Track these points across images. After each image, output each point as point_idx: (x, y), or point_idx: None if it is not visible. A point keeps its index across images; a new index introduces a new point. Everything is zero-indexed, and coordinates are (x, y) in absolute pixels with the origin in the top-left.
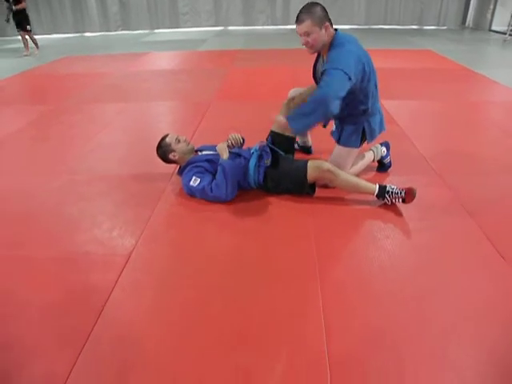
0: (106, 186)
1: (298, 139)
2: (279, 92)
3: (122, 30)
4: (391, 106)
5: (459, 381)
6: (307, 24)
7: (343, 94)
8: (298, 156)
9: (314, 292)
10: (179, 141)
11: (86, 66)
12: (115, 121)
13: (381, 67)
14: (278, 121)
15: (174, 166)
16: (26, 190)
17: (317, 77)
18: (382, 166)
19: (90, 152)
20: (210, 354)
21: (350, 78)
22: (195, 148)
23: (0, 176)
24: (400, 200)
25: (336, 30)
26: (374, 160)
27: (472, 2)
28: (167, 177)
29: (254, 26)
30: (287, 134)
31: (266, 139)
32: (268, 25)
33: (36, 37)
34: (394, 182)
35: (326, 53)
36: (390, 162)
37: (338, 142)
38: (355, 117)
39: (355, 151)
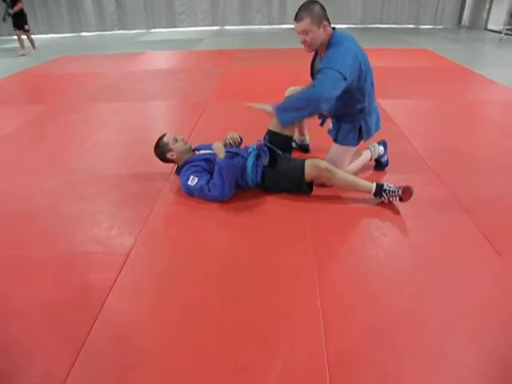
0: (104, 185)
1: (296, 138)
2: (277, 91)
3: (118, 29)
4: (388, 104)
5: (457, 379)
6: (306, 22)
7: (337, 93)
8: (296, 154)
9: (313, 290)
10: (177, 140)
11: (82, 65)
12: (112, 120)
13: (378, 66)
14: (262, 109)
15: (171, 165)
16: (23, 190)
17: (314, 75)
18: (380, 165)
19: (86, 152)
20: (210, 352)
21: (345, 78)
22: (193, 147)
23: None
24: (397, 198)
25: (334, 28)
26: (371, 159)
27: (468, 2)
28: (165, 176)
29: (251, 25)
30: (285, 133)
31: (264, 138)
32: (264, 24)
33: (32, 37)
34: (391, 181)
35: (324, 51)
36: (388, 160)
37: (335, 140)
38: (352, 115)
39: (352, 150)
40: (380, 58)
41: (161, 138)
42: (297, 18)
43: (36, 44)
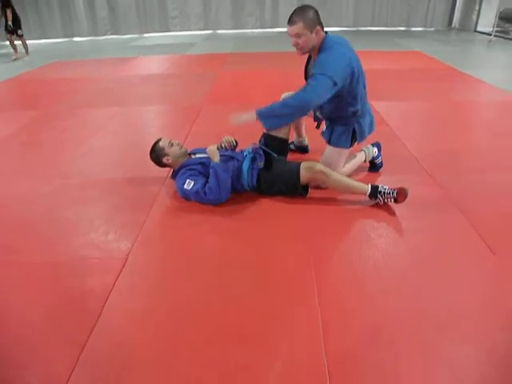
0: (100, 190)
1: (294, 139)
2: (270, 95)
3: (111, 34)
4: (381, 106)
5: (453, 377)
6: (298, 26)
7: (326, 98)
8: (295, 155)
9: (311, 291)
10: (172, 144)
11: (75, 70)
12: (107, 125)
13: (370, 68)
14: (245, 121)
15: (167, 169)
16: (20, 195)
17: (308, 78)
18: (374, 166)
19: (82, 156)
20: (210, 353)
21: (335, 84)
22: (188, 151)
23: None
24: (392, 200)
25: (326, 32)
26: (365, 160)
27: (458, 4)
28: (161, 180)
29: (244, 29)
30: (281, 136)
31: (259, 141)
32: (257, 28)
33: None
34: (385, 182)
35: (316, 55)
36: (382, 162)
37: (329, 142)
38: (345, 118)
39: (346, 151)
40: (372, 61)
41: (156, 143)
42: (290, 22)
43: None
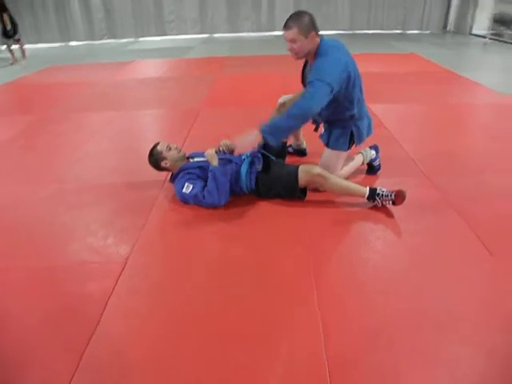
0: (98, 194)
1: (292, 143)
2: (268, 98)
3: (107, 38)
4: (379, 109)
5: (452, 378)
6: (293, 32)
7: (325, 104)
8: (293, 158)
9: (310, 293)
10: (170, 148)
11: (72, 75)
12: (104, 129)
13: (367, 71)
14: (249, 141)
15: (165, 173)
16: (17, 200)
17: (305, 83)
18: (372, 169)
19: (79, 161)
20: (211, 356)
21: (332, 89)
22: (186, 155)
23: None
24: (390, 202)
25: (322, 37)
26: (363, 163)
27: (453, 7)
28: (159, 184)
29: (240, 32)
30: None
31: (258, 144)
32: (253, 31)
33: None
34: (383, 185)
35: (312, 60)
36: (380, 164)
37: (327, 145)
38: (343, 121)
39: (344, 154)
40: (369, 63)
41: (154, 147)
42: (285, 27)
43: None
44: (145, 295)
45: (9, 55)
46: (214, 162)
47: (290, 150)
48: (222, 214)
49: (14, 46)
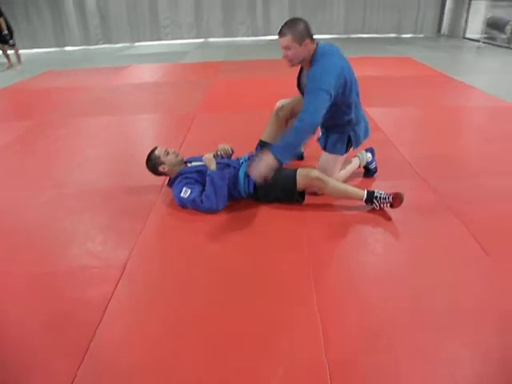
0: (96, 199)
1: None
2: (264, 102)
3: (102, 43)
4: (375, 113)
5: (452, 378)
6: (288, 39)
7: (325, 111)
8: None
9: (310, 297)
10: (168, 153)
11: (68, 80)
12: (102, 134)
13: (362, 75)
14: (265, 167)
15: (163, 177)
16: (16, 205)
17: (301, 88)
18: (368, 172)
19: (77, 166)
20: (212, 361)
21: (331, 96)
22: (184, 159)
23: None
24: (388, 205)
25: (317, 44)
26: (359, 166)
27: (446, 11)
28: (157, 189)
29: (235, 37)
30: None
31: (255, 149)
32: (249, 36)
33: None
34: (380, 187)
35: (308, 66)
36: (376, 167)
37: (324, 148)
38: (341, 126)
39: (341, 158)
40: (364, 67)
41: (152, 151)
42: (280, 33)
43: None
44: (144, 299)
45: (5, 60)
46: (212, 167)
47: None
48: (219, 218)
49: (10, 51)
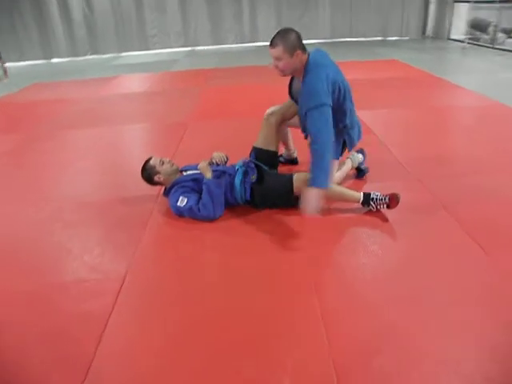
0: (91, 211)
1: (283, 153)
2: (255, 108)
3: (90, 54)
4: (366, 115)
5: (457, 377)
6: (278, 49)
7: (331, 122)
8: (284, 167)
9: (311, 302)
10: (163, 162)
11: (56, 92)
12: (93, 146)
13: (351, 78)
14: (316, 201)
15: (158, 187)
16: (10, 220)
17: (293, 96)
18: (360, 172)
19: (70, 178)
20: (215, 371)
21: (330, 105)
22: (179, 168)
23: None
24: (384, 206)
25: (309, 54)
26: (352, 167)
27: (430, 14)
28: (153, 198)
29: (224, 44)
30: (270, 149)
31: (250, 155)
32: (237, 43)
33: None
34: (376, 189)
35: (301, 77)
36: (367, 167)
37: None
38: (336, 132)
39: (336, 162)
40: (352, 71)
41: (147, 161)
42: (271, 44)
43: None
44: (146, 310)
45: None
46: (208, 175)
47: (282, 159)
48: (218, 226)
49: None
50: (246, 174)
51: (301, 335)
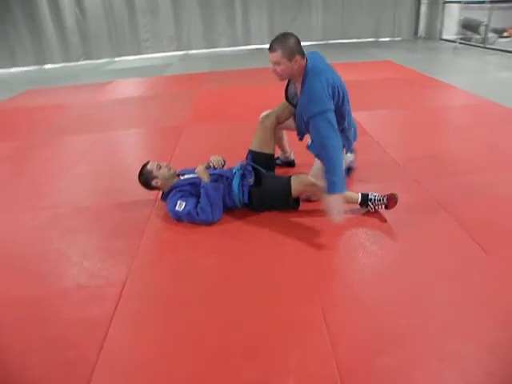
0: (90, 217)
1: (280, 155)
2: (249, 110)
3: (83, 59)
4: (360, 116)
5: (460, 375)
6: (277, 54)
7: (336, 125)
8: (281, 170)
9: (314, 304)
10: (161, 167)
11: (51, 98)
12: (89, 152)
13: (345, 80)
14: (341, 206)
15: (156, 192)
16: (9, 227)
17: (290, 100)
18: (348, 170)
19: (67, 184)
20: (220, 375)
21: (333, 109)
22: (177, 172)
23: None
24: (383, 206)
25: (307, 59)
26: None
27: (422, 14)
28: (151, 203)
29: (216, 48)
30: (266, 151)
31: (246, 158)
32: (230, 46)
33: None
34: (374, 190)
35: (299, 81)
36: (354, 165)
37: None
38: None
39: None
40: (347, 72)
41: (144, 166)
42: (270, 48)
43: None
44: (147, 316)
45: None
46: (206, 178)
47: (279, 162)
48: (217, 230)
49: None
50: (243, 176)
51: (303, 336)
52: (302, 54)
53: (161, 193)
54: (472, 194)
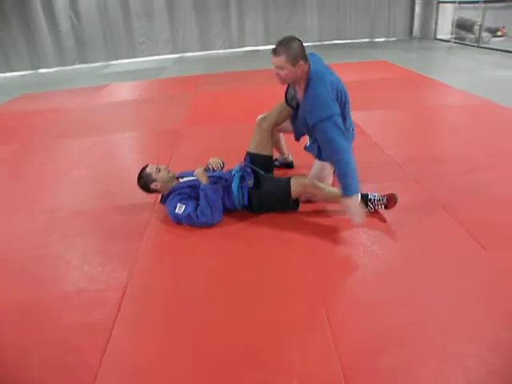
0: (89, 220)
1: (278, 157)
2: (245, 112)
3: (78, 63)
4: (358, 116)
5: (462, 373)
6: (281, 59)
7: (343, 126)
8: (280, 171)
9: (316, 305)
10: (159, 170)
11: (47, 102)
12: (87, 155)
13: (343, 80)
14: (359, 208)
15: (155, 195)
16: (8, 232)
17: (290, 103)
18: None
19: (66, 188)
20: (224, 377)
21: (338, 113)
22: (176, 175)
23: None
24: (382, 206)
25: (310, 64)
26: None
27: (416, 15)
28: (150, 206)
29: (212, 50)
30: (264, 153)
31: (244, 160)
32: (225, 48)
33: None
34: (373, 190)
35: (302, 86)
36: None
37: (319, 158)
38: None
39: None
40: (343, 72)
41: (143, 169)
42: (274, 52)
43: None
44: (149, 320)
45: None
46: (205, 181)
47: (277, 163)
48: (217, 232)
49: None
50: (242, 178)
51: (306, 336)
52: (306, 59)
53: (160, 196)
54: (472, 194)
